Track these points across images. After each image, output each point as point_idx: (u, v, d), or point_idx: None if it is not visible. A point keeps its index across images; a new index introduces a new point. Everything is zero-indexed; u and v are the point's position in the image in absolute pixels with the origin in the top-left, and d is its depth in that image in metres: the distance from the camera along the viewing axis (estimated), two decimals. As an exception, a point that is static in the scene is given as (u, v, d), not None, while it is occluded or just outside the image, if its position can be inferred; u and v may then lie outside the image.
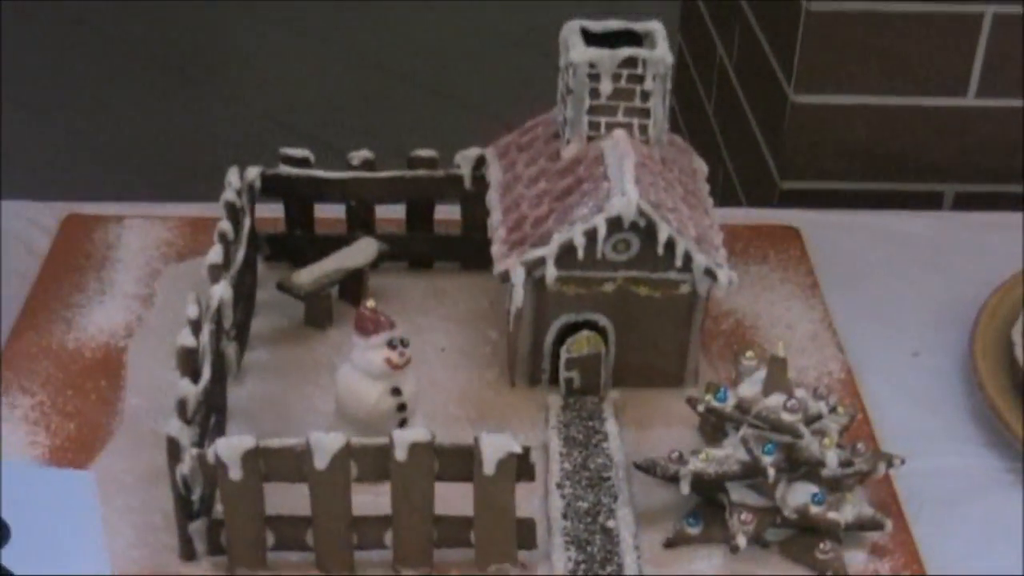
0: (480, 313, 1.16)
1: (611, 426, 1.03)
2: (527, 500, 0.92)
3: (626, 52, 1.02)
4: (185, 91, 2.97)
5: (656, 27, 1.06)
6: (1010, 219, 1.33)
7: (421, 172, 1.17)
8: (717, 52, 1.75)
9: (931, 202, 1.47)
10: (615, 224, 0.99)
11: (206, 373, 0.93)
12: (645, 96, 1.04)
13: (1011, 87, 1.41)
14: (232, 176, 1.12)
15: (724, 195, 1.65)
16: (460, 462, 0.87)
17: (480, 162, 1.15)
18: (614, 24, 1.07)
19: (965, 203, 1.47)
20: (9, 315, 1.14)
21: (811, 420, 0.91)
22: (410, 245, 1.20)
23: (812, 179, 1.46)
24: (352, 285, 1.15)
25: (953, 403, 1.10)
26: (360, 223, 1.19)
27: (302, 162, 1.17)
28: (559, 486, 0.97)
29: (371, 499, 0.89)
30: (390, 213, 1.19)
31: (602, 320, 1.05)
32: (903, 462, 0.96)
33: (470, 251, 1.18)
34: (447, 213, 1.20)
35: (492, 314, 1.15)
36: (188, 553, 0.91)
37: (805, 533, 0.93)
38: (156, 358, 1.08)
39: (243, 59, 3.18)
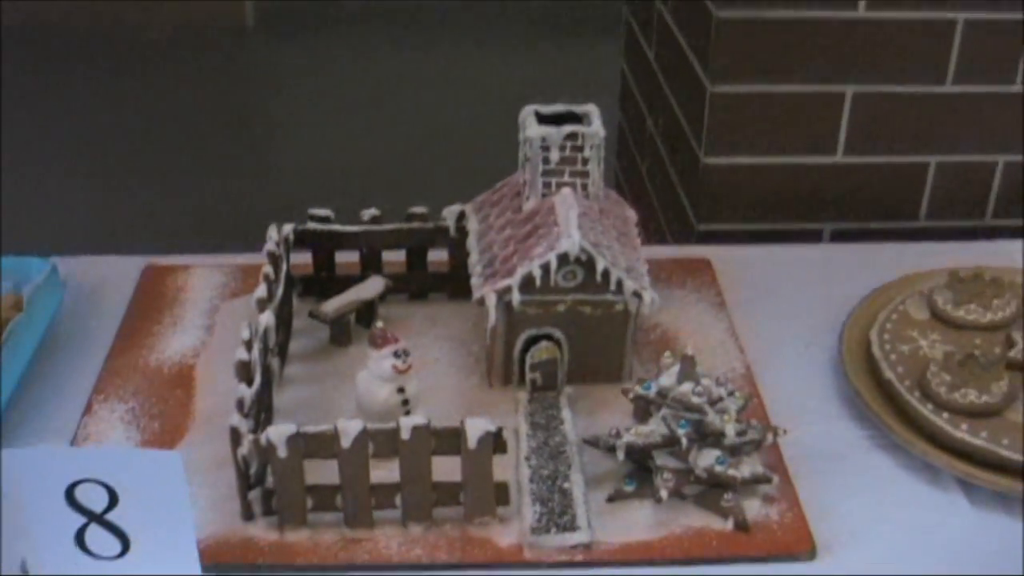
0: (465, 332, 1.19)
1: (566, 413, 1.06)
2: (504, 469, 0.96)
3: (569, 129, 1.05)
4: (232, 166, 3.04)
5: (592, 108, 1.09)
6: (873, 249, 1.37)
7: (416, 224, 1.20)
8: (647, 124, 1.77)
9: (813, 237, 1.49)
10: (564, 259, 1.03)
11: (257, 379, 0.98)
12: (585, 162, 1.07)
13: (871, 147, 1.44)
14: (272, 231, 1.17)
15: (656, 235, 1.68)
16: (450, 440, 0.91)
17: (462, 216, 1.19)
18: (560, 107, 1.10)
19: (839, 237, 1.49)
20: (106, 343, 1.19)
21: (714, 401, 0.95)
22: (410, 281, 1.23)
23: (721, 222, 1.48)
24: (366, 312, 1.19)
25: (825, 388, 1.14)
26: (371, 265, 1.22)
27: (325, 219, 1.21)
28: (527, 459, 1.01)
29: (385, 473, 0.93)
30: (394, 257, 1.23)
31: (557, 333, 1.08)
32: (785, 432, 1.00)
33: (456, 285, 1.21)
34: (438, 256, 1.23)
35: (474, 332, 1.18)
36: (248, 515, 0.95)
37: (713, 487, 0.96)
38: (218, 372, 1.12)
39: (277, 142, 3.27)
